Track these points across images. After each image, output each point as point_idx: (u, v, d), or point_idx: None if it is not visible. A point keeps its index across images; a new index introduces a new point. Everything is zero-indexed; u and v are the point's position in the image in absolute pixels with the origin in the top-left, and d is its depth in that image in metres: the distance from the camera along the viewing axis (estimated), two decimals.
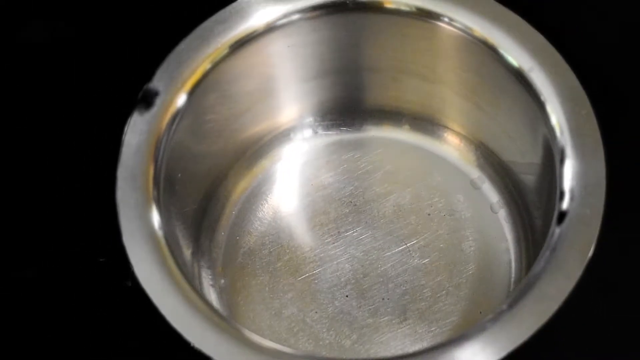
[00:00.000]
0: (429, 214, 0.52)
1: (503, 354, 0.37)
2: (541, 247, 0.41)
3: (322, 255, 0.51)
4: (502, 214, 0.52)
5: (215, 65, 0.46)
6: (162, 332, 0.39)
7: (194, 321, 0.38)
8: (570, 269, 0.39)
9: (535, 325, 0.38)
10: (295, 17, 0.47)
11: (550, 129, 0.43)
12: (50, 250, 0.53)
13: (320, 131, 0.56)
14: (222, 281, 0.51)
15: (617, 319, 0.50)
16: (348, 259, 0.51)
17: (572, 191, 0.41)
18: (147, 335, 0.48)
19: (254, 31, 0.47)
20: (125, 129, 0.43)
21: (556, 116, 0.43)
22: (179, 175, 0.47)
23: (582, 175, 0.42)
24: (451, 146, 0.55)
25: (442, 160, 0.55)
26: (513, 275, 0.50)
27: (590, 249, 0.39)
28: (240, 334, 0.38)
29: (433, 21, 0.47)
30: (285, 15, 0.47)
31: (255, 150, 0.55)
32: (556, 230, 0.40)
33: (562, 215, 0.41)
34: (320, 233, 0.52)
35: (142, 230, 0.41)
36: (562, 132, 0.43)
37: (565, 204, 0.41)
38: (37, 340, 0.51)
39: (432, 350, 0.37)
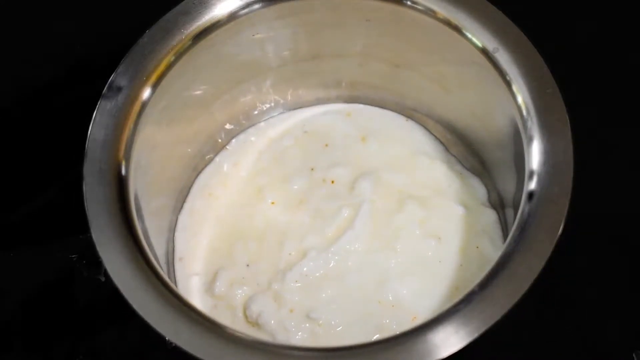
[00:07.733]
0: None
1: (476, 335, 0.37)
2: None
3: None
4: None
5: (180, 56, 0.45)
6: (136, 326, 0.39)
7: (165, 314, 0.38)
8: (539, 248, 0.39)
9: (507, 306, 0.38)
10: (257, 5, 0.47)
11: (517, 109, 0.43)
12: (23, 249, 0.53)
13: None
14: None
15: (587, 297, 0.50)
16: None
17: (540, 170, 0.41)
18: (122, 329, 0.48)
19: (218, 21, 0.46)
20: (91, 123, 0.43)
21: (522, 96, 0.43)
22: (151, 168, 0.46)
23: (550, 154, 0.41)
24: (420, 128, 0.56)
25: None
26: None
27: (559, 228, 0.39)
28: (217, 327, 0.38)
29: (396, 5, 0.47)
30: (247, 4, 0.47)
31: (227, 141, 0.55)
32: (526, 210, 0.40)
33: (531, 195, 0.41)
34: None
35: (111, 225, 0.40)
36: (528, 112, 0.43)
37: (533, 183, 0.41)
38: (14, 336, 0.51)
39: (406, 334, 0.37)
